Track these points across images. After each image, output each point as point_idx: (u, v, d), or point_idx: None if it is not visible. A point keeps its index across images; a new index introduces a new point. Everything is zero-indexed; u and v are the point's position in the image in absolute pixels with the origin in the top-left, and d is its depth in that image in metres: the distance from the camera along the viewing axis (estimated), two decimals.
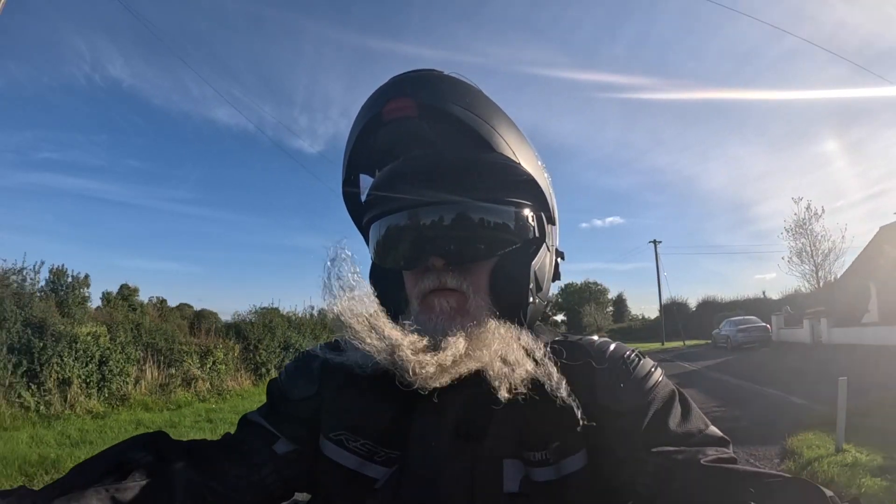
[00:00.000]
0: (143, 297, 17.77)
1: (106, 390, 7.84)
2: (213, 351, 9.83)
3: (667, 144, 69.23)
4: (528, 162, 0.61)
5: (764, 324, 20.08)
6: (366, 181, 0.66)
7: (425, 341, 0.54)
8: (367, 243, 0.67)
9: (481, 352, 0.54)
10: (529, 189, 0.61)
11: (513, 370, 0.54)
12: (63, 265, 9.57)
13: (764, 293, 33.88)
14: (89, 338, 7.78)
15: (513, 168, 0.59)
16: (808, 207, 24.23)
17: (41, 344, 7.12)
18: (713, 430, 0.56)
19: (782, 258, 26.37)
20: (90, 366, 7.68)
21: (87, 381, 7.63)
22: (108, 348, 8.00)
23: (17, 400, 6.82)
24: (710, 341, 23.13)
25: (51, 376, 7.19)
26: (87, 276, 10.26)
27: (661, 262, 35.80)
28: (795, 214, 25.61)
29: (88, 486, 0.46)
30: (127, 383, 8.17)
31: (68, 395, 7.35)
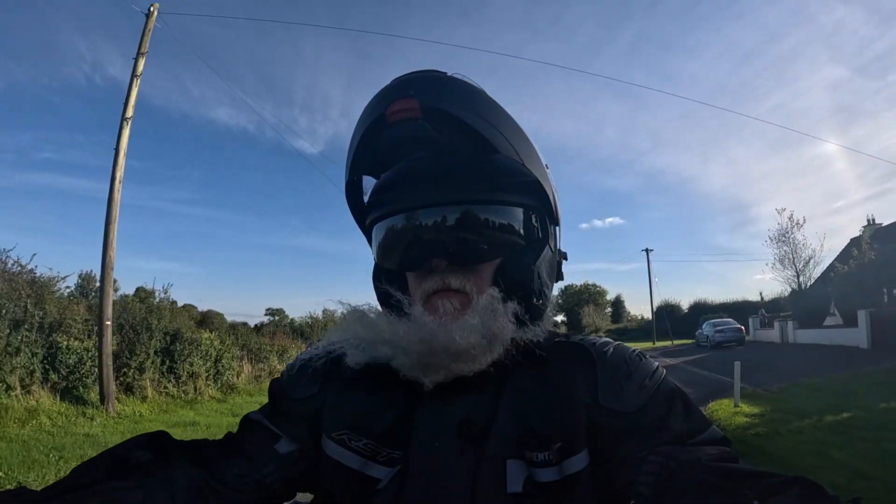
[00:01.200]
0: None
1: (220, 381, 10.44)
2: (288, 349, 12.51)
3: (667, 145, 72.58)
4: (532, 163, 0.61)
5: (739, 325, 22.70)
6: (368, 182, 0.67)
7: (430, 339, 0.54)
8: (370, 245, 0.67)
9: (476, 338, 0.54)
10: (533, 190, 0.62)
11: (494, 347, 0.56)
12: (91, 270, 10.75)
13: (761, 294, 36.11)
14: (208, 341, 10.38)
15: (517, 169, 0.60)
16: (790, 217, 26.94)
17: (180, 347, 9.70)
18: (715, 430, 0.56)
19: (766, 264, 29.00)
20: (209, 363, 10.27)
21: (208, 374, 10.22)
22: (220, 349, 10.59)
23: (163, 390, 9.38)
24: (694, 341, 25.75)
25: (184, 371, 9.75)
26: (114, 281, 11.12)
27: (652, 269, 38.41)
28: (779, 224, 28.33)
29: (89, 486, 0.46)
30: (233, 376, 10.79)
31: (197, 386, 9.92)
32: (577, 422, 0.56)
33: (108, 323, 7.49)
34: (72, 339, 7.92)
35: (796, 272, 28.70)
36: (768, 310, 26.79)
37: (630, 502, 0.53)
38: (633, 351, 0.62)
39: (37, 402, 7.13)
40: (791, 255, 28.35)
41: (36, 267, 8.43)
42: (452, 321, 0.55)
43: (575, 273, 57.44)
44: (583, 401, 0.57)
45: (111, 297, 7.77)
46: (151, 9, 8.84)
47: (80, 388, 7.81)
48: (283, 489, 0.60)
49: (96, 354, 7.64)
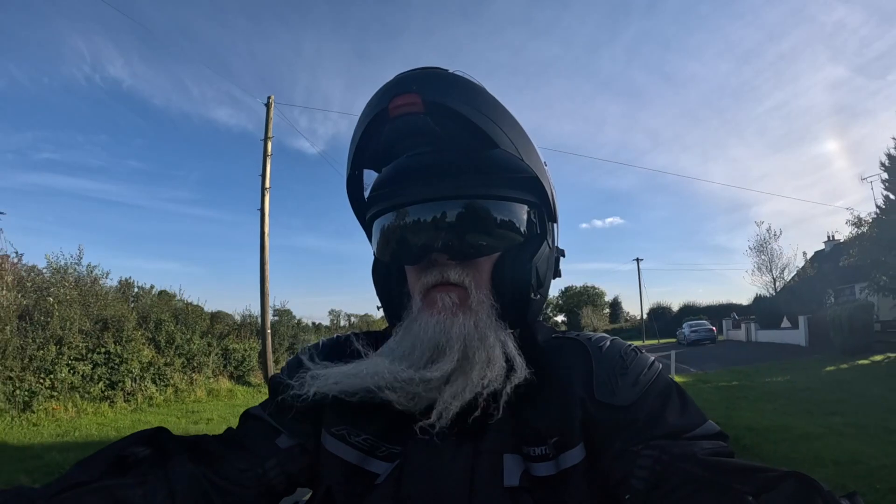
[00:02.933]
0: None
1: None
2: None
3: (667, 145, 71.75)
4: (532, 159, 0.62)
5: (711, 326, 26.79)
6: (370, 177, 0.68)
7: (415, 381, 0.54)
8: (370, 239, 0.67)
9: (466, 379, 0.54)
10: (532, 186, 0.62)
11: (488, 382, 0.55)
12: (130, 277, 11.41)
13: (757, 294, 40.19)
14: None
15: (516, 165, 0.60)
16: (768, 229, 30.93)
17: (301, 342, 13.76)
18: (710, 424, 0.56)
19: (746, 271, 32.82)
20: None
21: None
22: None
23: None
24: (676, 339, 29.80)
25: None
26: (151, 287, 12.31)
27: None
28: (758, 235, 32.28)
29: (89, 483, 0.46)
30: None
31: None
32: (572, 416, 0.56)
33: (269, 331, 11.64)
34: (235, 342, 12.05)
35: (773, 278, 33.01)
36: (749, 312, 30.79)
37: (625, 496, 0.52)
38: (629, 346, 0.63)
39: (220, 384, 11.11)
40: (768, 264, 32.76)
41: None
42: (450, 316, 0.57)
43: (576, 273, 59.04)
44: (578, 395, 0.57)
45: (269, 313, 11.93)
46: (270, 100, 12.64)
47: (248, 375, 11.93)
48: (284, 484, 0.60)
49: (254, 353, 11.77)
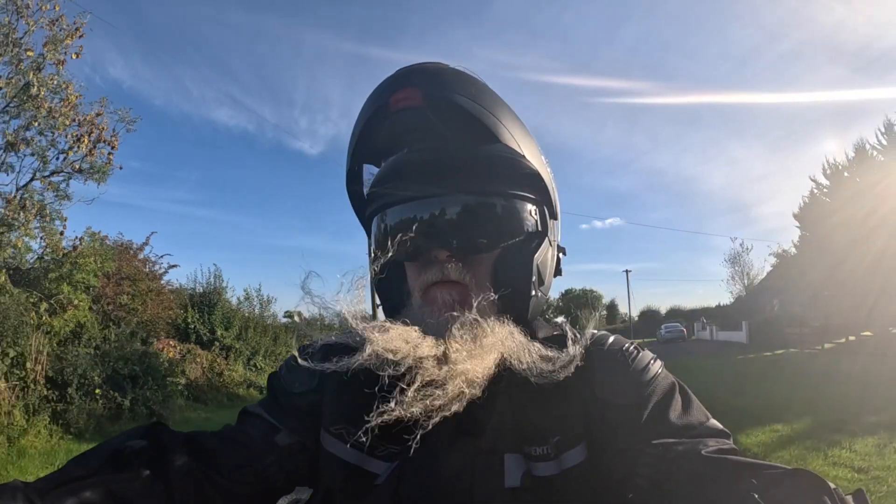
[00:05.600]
0: None
1: None
2: None
3: (666, 146, 71.63)
4: (533, 155, 0.61)
5: (682, 328, 33.19)
6: (370, 172, 0.67)
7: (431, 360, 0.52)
8: (369, 236, 0.67)
9: (480, 360, 0.53)
10: (533, 183, 0.62)
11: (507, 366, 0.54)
12: (259, 285, 13.34)
13: (719, 303, 45.25)
14: None
15: (517, 161, 0.59)
16: (741, 244, 36.61)
17: None
18: (714, 422, 0.55)
19: (721, 280, 38.36)
20: None
21: None
22: None
23: None
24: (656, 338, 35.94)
25: None
26: (270, 298, 13.62)
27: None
28: (732, 249, 38.01)
29: (85, 478, 0.46)
30: None
31: None
32: (574, 415, 0.56)
33: None
34: None
35: (744, 287, 38.64)
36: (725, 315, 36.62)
37: (628, 495, 0.52)
38: (631, 343, 0.63)
39: None
40: (741, 274, 38.42)
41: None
42: (450, 313, 0.55)
43: (576, 273, 60.72)
44: (580, 394, 0.57)
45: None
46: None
47: None
48: (282, 482, 0.59)
49: None
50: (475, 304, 0.55)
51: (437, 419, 0.51)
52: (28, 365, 6.24)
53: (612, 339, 0.63)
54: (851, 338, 16.66)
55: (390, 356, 0.52)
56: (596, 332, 0.63)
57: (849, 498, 0.40)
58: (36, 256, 7.77)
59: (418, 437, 0.52)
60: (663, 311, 52.60)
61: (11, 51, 7.09)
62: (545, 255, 0.63)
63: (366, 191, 0.67)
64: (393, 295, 0.65)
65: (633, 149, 75.26)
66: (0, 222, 6.99)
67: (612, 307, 61.92)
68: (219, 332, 11.53)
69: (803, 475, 0.41)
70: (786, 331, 20.25)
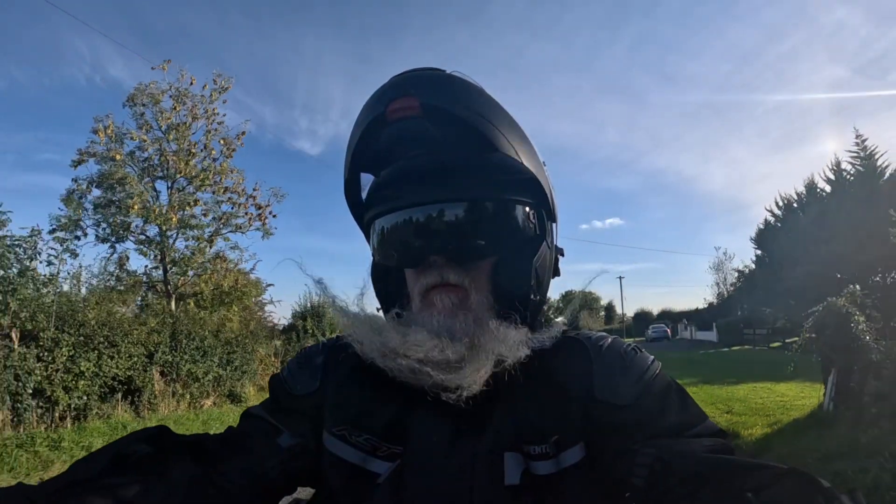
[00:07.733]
0: None
1: None
2: None
3: (667, 146, 73.73)
4: (530, 160, 0.61)
5: (666, 329, 38.27)
6: (367, 180, 0.67)
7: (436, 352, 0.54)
8: (369, 242, 0.68)
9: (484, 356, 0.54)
10: (531, 187, 0.62)
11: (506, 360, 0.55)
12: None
13: (696, 307, 49.67)
14: None
15: (515, 167, 0.60)
16: (724, 253, 40.35)
17: None
18: (711, 422, 0.56)
19: (707, 286, 42.89)
20: None
21: None
22: None
23: None
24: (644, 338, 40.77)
25: None
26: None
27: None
28: (716, 258, 42.38)
29: (89, 481, 0.46)
30: None
31: None
32: (572, 415, 0.57)
33: None
34: None
35: (726, 292, 43.18)
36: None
37: (625, 494, 0.53)
38: (629, 345, 0.63)
39: None
40: (723, 280, 42.96)
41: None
42: (449, 316, 0.57)
43: (576, 274, 61.85)
44: (579, 394, 0.58)
45: None
46: None
47: None
48: (285, 483, 0.61)
49: None
50: (474, 307, 0.57)
51: (439, 418, 0.54)
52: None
53: (610, 340, 0.64)
54: (790, 339, 21.40)
55: (420, 367, 0.53)
56: (594, 332, 0.66)
57: (844, 497, 0.39)
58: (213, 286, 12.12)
59: (418, 436, 0.56)
60: (655, 312, 57.11)
61: (213, 186, 11.32)
62: (543, 257, 0.63)
63: (364, 197, 0.67)
64: (392, 300, 0.64)
65: (633, 149, 77.65)
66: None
67: (609, 308, 65.15)
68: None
69: (798, 475, 0.42)
70: (744, 332, 25.35)
